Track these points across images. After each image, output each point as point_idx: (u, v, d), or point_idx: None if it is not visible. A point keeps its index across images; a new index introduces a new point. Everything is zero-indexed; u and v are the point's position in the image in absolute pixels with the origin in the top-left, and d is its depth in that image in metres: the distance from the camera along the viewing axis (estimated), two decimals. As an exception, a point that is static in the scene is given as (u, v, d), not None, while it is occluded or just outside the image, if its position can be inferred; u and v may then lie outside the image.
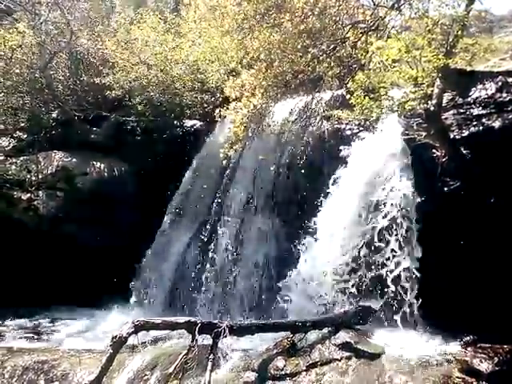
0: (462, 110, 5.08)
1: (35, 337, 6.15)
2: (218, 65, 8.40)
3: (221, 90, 8.11)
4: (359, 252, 5.31)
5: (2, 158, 8.37)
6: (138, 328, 3.76)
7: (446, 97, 5.08)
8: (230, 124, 6.66)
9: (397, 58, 4.47)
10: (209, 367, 3.83)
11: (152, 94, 8.54)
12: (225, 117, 6.80)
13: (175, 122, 8.80)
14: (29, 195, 7.99)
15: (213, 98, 8.73)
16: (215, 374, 3.98)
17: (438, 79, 4.61)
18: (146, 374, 4.14)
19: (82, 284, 7.11)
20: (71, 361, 4.51)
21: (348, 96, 4.88)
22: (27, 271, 7.31)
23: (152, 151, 8.56)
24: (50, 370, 4.38)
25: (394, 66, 4.58)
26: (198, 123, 8.85)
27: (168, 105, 8.63)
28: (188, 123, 8.88)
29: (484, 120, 4.91)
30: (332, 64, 4.52)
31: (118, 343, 3.65)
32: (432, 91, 4.60)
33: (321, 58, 4.32)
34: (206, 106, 8.72)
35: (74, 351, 4.82)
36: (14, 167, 8.23)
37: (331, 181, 5.91)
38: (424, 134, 4.92)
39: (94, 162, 8.50)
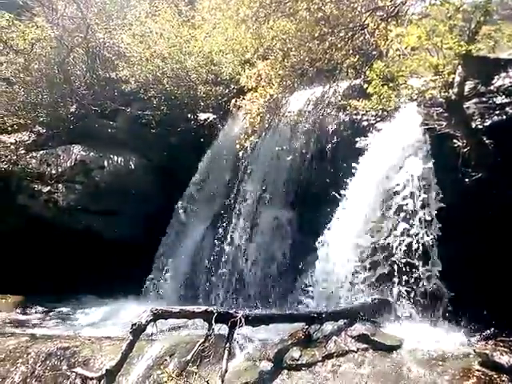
0: (484, 99, 4.93)
1: (57, 324, 6.35)
2: (233, 56, 8.35)
3: (235, 81, 8.08)
4: (377, 247, 5.24)
5: (22, 152, 8.56)
6: (157, 316, 3.81)
7: (468, 85, 4.93)
8: (243, 115, 6.65)
9: (416, 46, 4.36)
10: (225, 356, 3.85)
11: (167, 86, 8.58)
12: (238, 109, 6.78)
13: (189, 115, 8.84)
14: (49, 188, 8.19)
15: (227, 90, 8.70)
16: (231, 363, 4.02)
17: (459, 67, 4.48)
18: (165, 360, 4.22)
19: (101, 275, 7.27)
20: (92, 347, 4.62)
21: (366, 85, 4.79)
22: (50, 262, 7.52)
23: (167, 144, 8.64)
24: (72, 356, 4.50)
25: (414, 54, 4.47)
26: (211, 116, 8.85)
27: (182, 98, 8.65)
28: (202, 116, 8.89)
29: (508, 109, 4.76)
30: (350, 52, 4.44)
31: (138, 330, 3.72)
32: (453, 79, 4.48)
33: (339, 45, 4.24)
34: (220, 98, 8.70)
35: (94, 338, 4.94)
36: (34, 161, 8.43)
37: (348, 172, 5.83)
38: (445, 123, 4.80)
39: (111, 156, 8.62)
